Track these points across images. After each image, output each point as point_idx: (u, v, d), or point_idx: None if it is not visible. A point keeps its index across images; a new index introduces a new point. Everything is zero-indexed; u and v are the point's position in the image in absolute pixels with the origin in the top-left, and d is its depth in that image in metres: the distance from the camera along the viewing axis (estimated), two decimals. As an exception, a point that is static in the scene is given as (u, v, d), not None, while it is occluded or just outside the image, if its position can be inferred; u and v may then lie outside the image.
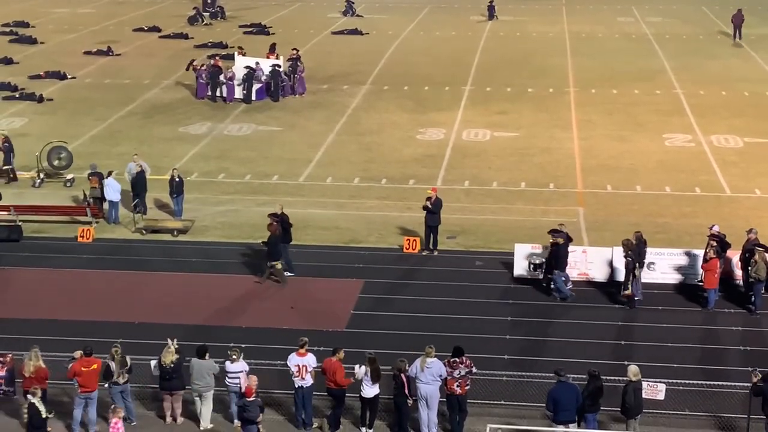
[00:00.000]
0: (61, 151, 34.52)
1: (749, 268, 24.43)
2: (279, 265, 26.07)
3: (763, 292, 24.58)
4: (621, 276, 25.13)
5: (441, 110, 42.86)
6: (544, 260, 25.64)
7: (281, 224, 26.64)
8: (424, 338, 21.21)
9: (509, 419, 19.76)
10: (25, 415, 18.57)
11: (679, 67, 50.58)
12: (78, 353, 19.73)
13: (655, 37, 58.71)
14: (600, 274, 25.98)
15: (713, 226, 25.90)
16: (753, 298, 24.52)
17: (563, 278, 25.10)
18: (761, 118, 41.22)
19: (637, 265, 24.60)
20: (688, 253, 25.97)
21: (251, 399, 18.68)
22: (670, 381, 19.71)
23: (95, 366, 19.64)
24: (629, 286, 24.49)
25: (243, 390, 19.52)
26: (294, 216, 30.70)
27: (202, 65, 45.53)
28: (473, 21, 65.14)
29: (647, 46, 56.58)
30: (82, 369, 19.52)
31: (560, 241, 24.96)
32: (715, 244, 24.76)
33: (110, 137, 39.43)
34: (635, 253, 24.65)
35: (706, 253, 24.73)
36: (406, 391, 19.34)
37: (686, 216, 30.60)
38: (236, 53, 47.33)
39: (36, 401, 18.53)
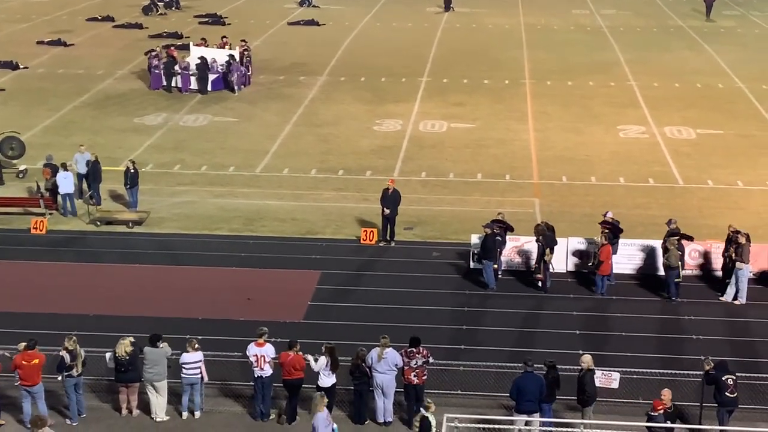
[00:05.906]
0: (12, 142, 34.07)
1: (664, 255, 24.91)
2: None
3: (677, 279, 24.74)
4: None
5: (398, 102, 42.88)
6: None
7: None
8: (382, 329, 21.24)
9: (466, 409, 19.86)
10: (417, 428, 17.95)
11: (633, 59, 51.04)
12: (21, 345, 19.47)
13: (609, 30, 59.19)
14: (555, 265, 26.14)
15: (606, 213, 26.39)
16: (669, 287, 24.85)
17: (492, 267, 25.34)
18: (713, 110, 41.76)
19: (548, 250, 25.03)
20: (643, 244, 26.24)
21: None
22: (624, 369, 19.92)
23: (37, 361, 19.30)
24: (541, 269, 25.04)
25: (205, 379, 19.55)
26: (250, 207, 30.77)
27: (156, 55, 45.01)
28: (430, 12, 65.21)
29: (602, 38, 57.03)
30: (23, 362, 19.22)
31: (487, 231, 25.28)
32: (607, 230, 25.19)
33: (63, 128, 38.98)
34: (547, 238, 25.10)
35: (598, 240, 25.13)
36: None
37: (640, 207, 30.91)
38: (192, 43, 46.99)
39: (429, 415, 17.82)
